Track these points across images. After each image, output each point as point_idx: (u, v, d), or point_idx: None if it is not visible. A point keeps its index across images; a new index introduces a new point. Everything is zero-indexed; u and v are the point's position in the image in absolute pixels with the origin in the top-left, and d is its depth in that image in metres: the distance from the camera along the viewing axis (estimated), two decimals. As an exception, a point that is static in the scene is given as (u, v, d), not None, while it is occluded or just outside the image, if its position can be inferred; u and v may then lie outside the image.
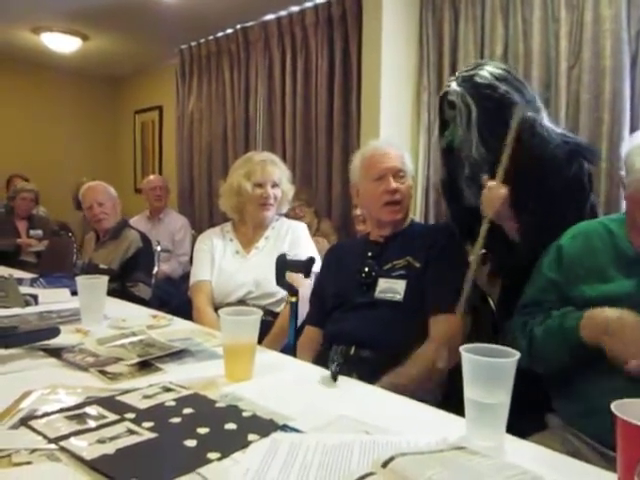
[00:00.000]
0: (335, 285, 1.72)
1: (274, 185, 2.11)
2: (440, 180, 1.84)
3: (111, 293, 1.74)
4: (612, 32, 2.31)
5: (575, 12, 2.43)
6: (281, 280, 1.58)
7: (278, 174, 2.13)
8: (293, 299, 1.55)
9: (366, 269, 1.64)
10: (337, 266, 1.77)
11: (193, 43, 4.76)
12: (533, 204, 1.49)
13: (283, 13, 3.93)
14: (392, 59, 2.97)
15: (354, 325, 1.57)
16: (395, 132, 2.98)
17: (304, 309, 1.89)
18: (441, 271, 1.57)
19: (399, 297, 1.56)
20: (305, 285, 1.85)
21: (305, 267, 1.61)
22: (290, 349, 1.55)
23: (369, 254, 1.68)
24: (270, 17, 4.02)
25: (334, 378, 1.16)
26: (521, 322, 1.33)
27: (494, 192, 1.47)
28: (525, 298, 1.38)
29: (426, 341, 1.51)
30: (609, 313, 1.13)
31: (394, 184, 1.65)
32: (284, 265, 1.59)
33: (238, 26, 4.27)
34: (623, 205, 1.36)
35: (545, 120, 1.59)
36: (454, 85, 1.60)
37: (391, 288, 1.58)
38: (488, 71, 1.57)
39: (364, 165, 1.73)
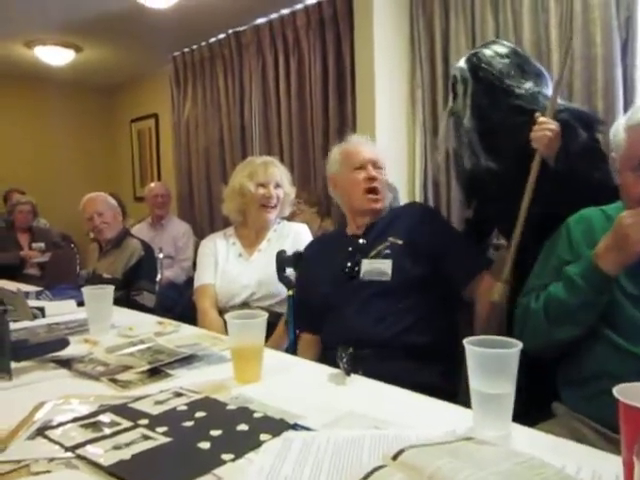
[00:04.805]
0: (321, 287, 1.69)
1: (277, 185, 2.14)
2: (452, 149, 1.97)
3: (115, 302, 1.76)
4: (602, 19, 2.31)
5: (564, 1, 2.45)
6: (281, 275, 1.63)
7: (280, 175, 2.16)
8: (290, 292, 1.59)
9: (349, 264, 1.64)
10: (319, 264, 1.75)
11: (186, 49, 4.77)
12: (554, 168, 1.53)
13: (274, 16, 3.94)
14: (385, 57, 2.99)
15: (347, 326, 1.56)
16: (391, 130, 2.99)
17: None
18: (455, 241, 1.67)
19: (387, 278, 1.58)
20: None
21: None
22: (292, 344, 1.57)
23: (349, 249, 1.69)
24: (262, 20, 4.03)
25: (347, 373, 1.17)
26: (534, 296, 1.32)
27: (544, 127, 1.51)
28: (539, 279, 1.35)
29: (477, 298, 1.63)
30: (605, 236, 1.18)
31: (373, 172, 1.72)
32: (283, 261, 1.65)
33: (230, 31, 4.28)
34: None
35: (549, 91, 1.68)
36: (461, 62, 1.77)
37: (377, 269, 1.59)
38: (492, 49, 1.74)
39: (344, 155, 1.80)
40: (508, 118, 1.63)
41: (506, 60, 1.69)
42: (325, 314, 1.66)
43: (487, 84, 1.68)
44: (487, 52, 1.72)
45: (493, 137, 1.65)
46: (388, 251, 1.61)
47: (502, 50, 1.73)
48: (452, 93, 1.84)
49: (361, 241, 1.69)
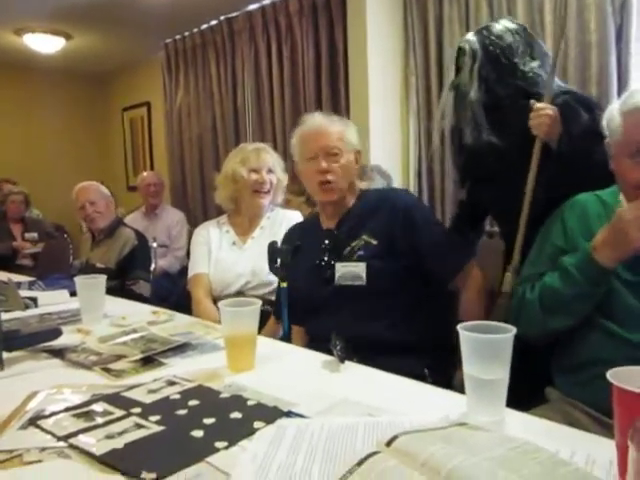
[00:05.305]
0: (299, 277, 1.62)
1: (269, 171, 2.14)
2: (450, 126, 1.92)
3: (110, 292, 1.75)
4: (596, 5, 2.31)
5: (558, -13, 2.43)
6: (273, 266, 1.60)
7: (272, 161, 2.16)
8: (284, 284, 1.56)
9: (325, 259, 1.58)
10: (299, 252, 1.66)
11: (178, 36, 4.72)
12: (558, 151, 1.52)
13: (267, 2, 3.90)
14: (378, 44, 2.97)
15: (327, 328, 1.45)
16: (384, 117, 2.98)
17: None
18: (436, 237, 1.60)
19: (361, 282, 1.51)
20: None
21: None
22: (285, 337, 1.56)
23: (326, 242, 1.62)
24: (254, 7, 3.99)
25: (341, 361, 1.16)
26: (529, 286, 1.32)
27: (542, 113, 1.49)
28: (534, 267, 1.35)
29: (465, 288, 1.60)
30: (603, 229, 1.17)
31: (324, 164, 1.59)
32: (275, 251, 1.62)
33: (222, 17, 4.25)
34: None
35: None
36: (470, 35, 1.74)
37: (351, 272, 1.53)
38: (502, 24, 1.72)
39: (299, 144, 1.68)
40: (513, 96, 1.62)
41: (516, 36, 1.68)
42: (306, 307, 1.62)
43: (495, 57, 1.66)
44: (497, 26, 1.70)
45: (498, 112, 1.64)
46: (362, 252, 1.54)
47: (512, 26, 1.71)
48: (455, 67, 1.80)
49: (336, 232, 1.63)
